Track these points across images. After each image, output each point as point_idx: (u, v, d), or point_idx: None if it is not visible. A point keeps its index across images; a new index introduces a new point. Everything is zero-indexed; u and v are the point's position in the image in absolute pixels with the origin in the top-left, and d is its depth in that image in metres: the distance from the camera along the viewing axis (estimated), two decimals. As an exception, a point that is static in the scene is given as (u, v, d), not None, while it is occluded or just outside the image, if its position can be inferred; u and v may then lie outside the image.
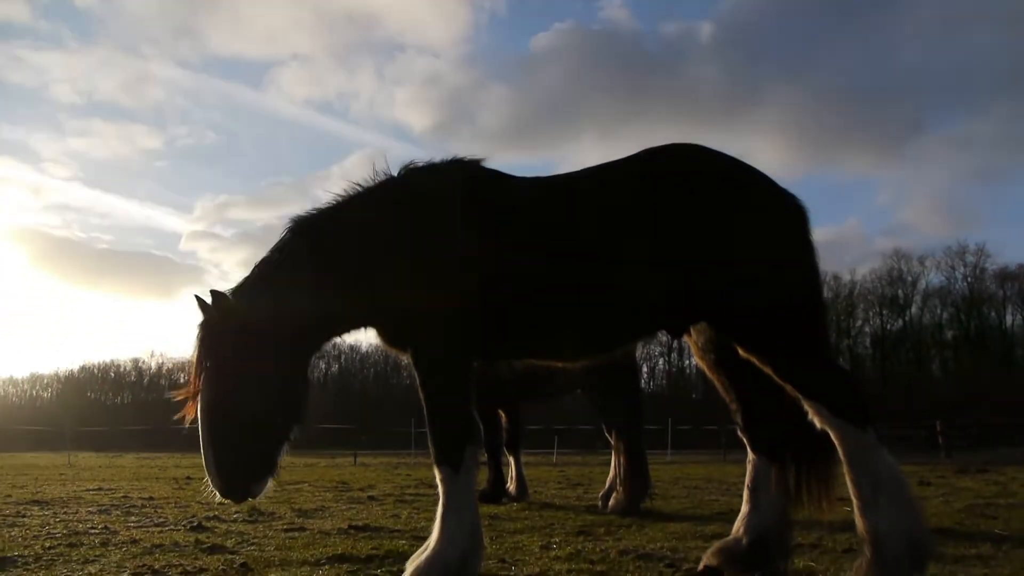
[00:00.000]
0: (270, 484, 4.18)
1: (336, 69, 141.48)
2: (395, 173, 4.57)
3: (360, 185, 4.53)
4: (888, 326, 79.89)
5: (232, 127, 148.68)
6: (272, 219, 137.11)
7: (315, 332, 4.44)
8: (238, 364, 4.06)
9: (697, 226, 4.03)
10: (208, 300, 4.12)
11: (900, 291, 79.05)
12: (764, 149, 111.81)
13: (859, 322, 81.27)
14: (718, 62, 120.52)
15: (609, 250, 4.13)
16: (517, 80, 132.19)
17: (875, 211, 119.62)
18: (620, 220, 4.14)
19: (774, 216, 4.16)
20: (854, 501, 3.82)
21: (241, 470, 4.02)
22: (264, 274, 4.36)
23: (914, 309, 78.67)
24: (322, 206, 4.53)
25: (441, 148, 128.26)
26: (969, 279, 75.90)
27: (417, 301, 4.20)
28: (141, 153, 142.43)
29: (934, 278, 78.46)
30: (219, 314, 4.12)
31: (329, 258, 4.32)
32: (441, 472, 4.09)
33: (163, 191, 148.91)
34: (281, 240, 4.46)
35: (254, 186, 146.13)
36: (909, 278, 78.87)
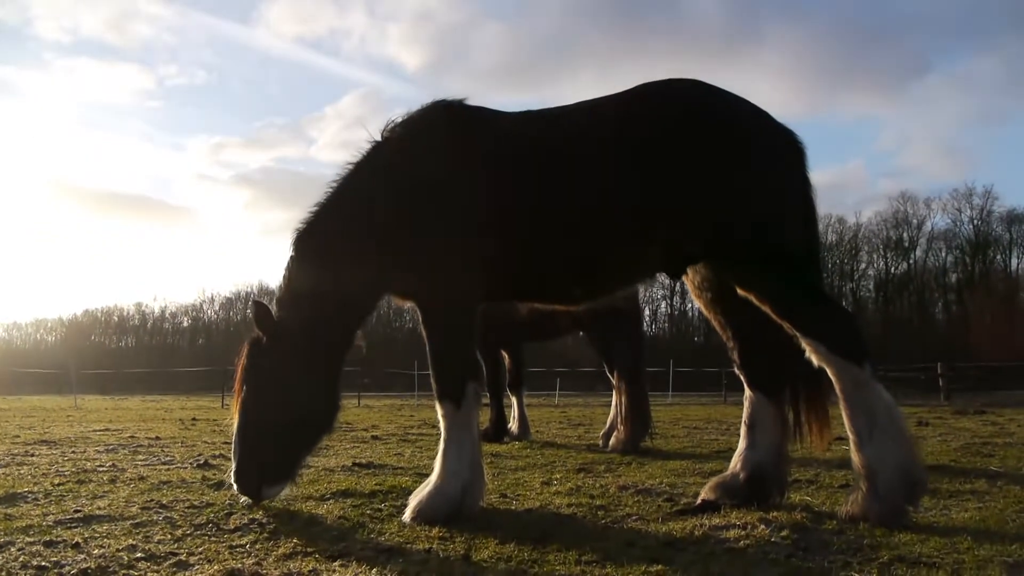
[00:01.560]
0: (286, 490, 4.41)
1: (326, 5, 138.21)
2: (380, 135, 4.59)
3: (351, 163, 4.58)
4: (892, 269, 79.70)
5: (222, 66, 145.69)
6: (267, 161, 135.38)
7: (341, 334, 4.53)
8: (272, 378, 4.28)
9: (695, 163, 4.01)
10: (257, 311, 4.36)
11: (905, 234, 78.66)
12: (765, 88, 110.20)
13: (863, 265, 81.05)
14: None
15: (607, 190, 4.11)
16: (511, 16, 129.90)
17: (878, 153, 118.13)
18: (617, 158, 4.10)
19: (773, 153, 4.14)
20: (850, 436, 3.87)
21: (256, 473, 4.23)
22: (290, 292, 4.51)
23: (919, 252, 78.37)
24: (321, 199, 4.57)
25: (436, 86, 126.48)
26: (975, 222, 75.47)
27: (419, 252, 4.26)
28: (132, 93, 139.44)
29: (940, 221, 78.03)
30: (263, 330, 4.35)
31: (330, 261, 4.41)
32: (443, 408, 4.16)
33: (157, 132, 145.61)
34: (288, 260, 4.57)
35: (248, 127, 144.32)
36: (914, 220, 78.41)
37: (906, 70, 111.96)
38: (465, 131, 4.45)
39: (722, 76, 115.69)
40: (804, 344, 3.90)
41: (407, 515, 3.99)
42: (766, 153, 4.12)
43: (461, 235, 4.21)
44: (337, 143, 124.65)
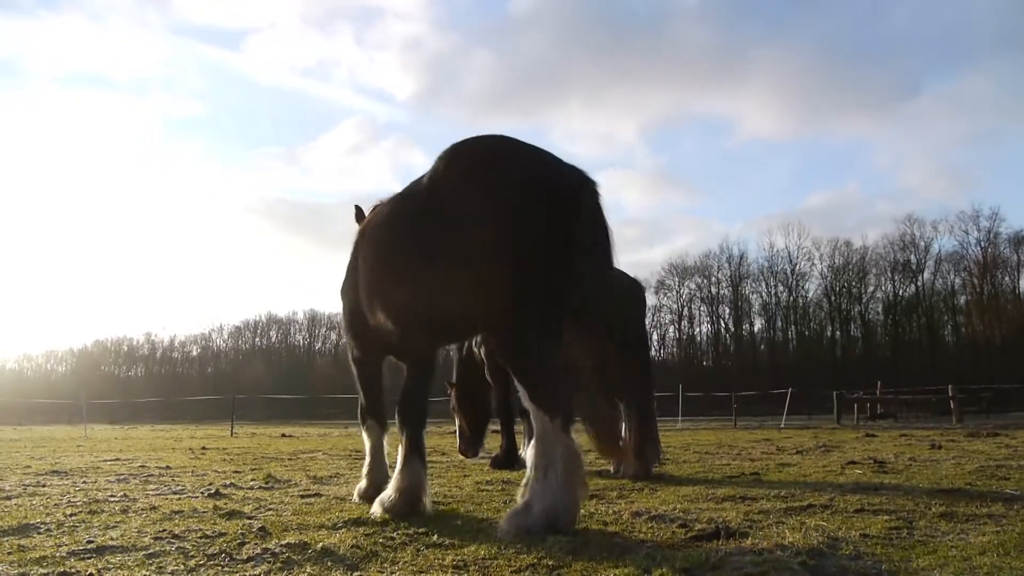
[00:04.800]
0: None
1: (314, 35, 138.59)
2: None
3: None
4: (900, 292, 79.53)
5: (215, 96, 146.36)
6: (265, 190, 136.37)
7: None
8: None
9: (437, 231, 4.44)
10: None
11: (912, 256, 78.61)
12: (755, 112, 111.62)
13: (871, 288, 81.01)
14: (705, 21, 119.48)
15: (409, 260, 4.74)
16: (499, 44, 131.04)
17: (873, 174, 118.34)
18: (410, 227, 4.72)
19: (503, 214, 4.24)
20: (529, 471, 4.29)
21: None
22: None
23: (927, 274, 78.21)
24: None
25: (427, 114, 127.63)
26: (983, 243, 75.34)
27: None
28: (127, 124, 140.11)
29: (947, 243, 77.92)
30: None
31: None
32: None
33: (156, 164, 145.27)
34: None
35: (244, 156, 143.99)
36: (921, 243, 78.40)
37: (896, 91, 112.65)
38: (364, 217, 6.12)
39: (711, 101, 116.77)
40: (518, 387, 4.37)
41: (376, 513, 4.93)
42: (495, 216, 4.24)
43: (353, 299, 5.67)
44: (334, 171, 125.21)
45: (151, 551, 3.93)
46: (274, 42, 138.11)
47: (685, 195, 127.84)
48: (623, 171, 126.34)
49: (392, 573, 3.48)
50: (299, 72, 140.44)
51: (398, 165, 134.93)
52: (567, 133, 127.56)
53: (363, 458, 6.14)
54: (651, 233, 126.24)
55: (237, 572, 3.52)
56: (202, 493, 6.33)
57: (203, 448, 14.10)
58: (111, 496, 6.18)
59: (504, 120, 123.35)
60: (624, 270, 8.63)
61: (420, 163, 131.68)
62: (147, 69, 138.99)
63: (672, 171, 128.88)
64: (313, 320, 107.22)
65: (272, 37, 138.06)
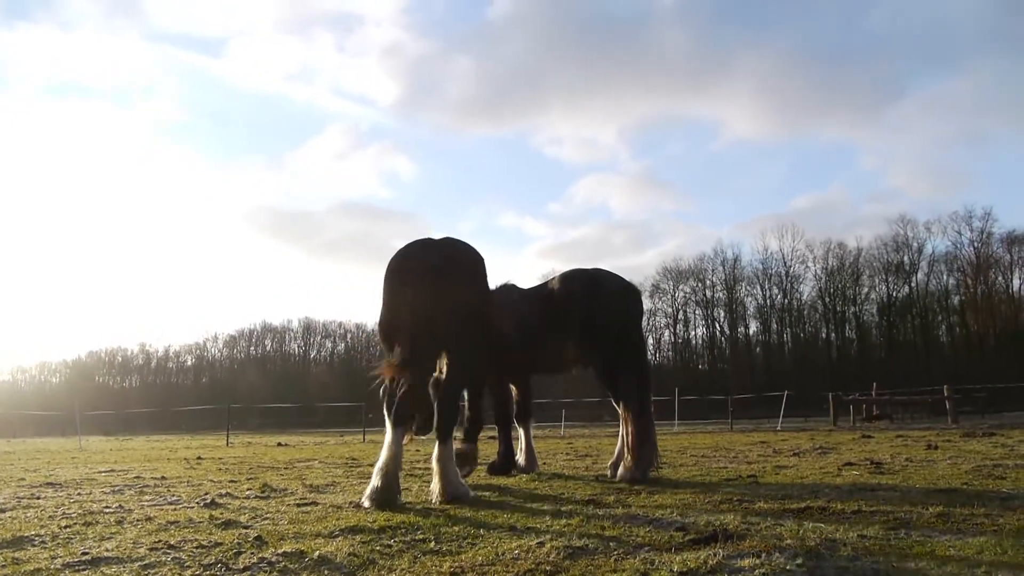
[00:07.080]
0: None
1: (295, 42, 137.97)
2: None
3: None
4: (894, 293, 79.76)
5: (199, 104, 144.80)
6: (258, 198, 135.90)
7: None
8: None
9: None
10: None
11: (906, 257, 78.86)
12: (739, 117, 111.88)
13: (865, 289, 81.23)
14: (684, 25, 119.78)
15: None
16: (479, 50, 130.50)
17: (859, 176, 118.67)
18: None
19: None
20: None
21: None
22: None
23: (920, 275, 78.46)
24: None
25: (409, 120, 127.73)
26: (976, 244, 75.60)
27: None
28: (118, 134, 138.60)
29: (940, 243, 78.20)
30: None
31: None
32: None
33: (144, 173, 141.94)
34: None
35: (231, 163, 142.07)
36: (915, 244, 78.66)
37: (881, 94, 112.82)
38: None
39: (694, 106, 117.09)
40: None
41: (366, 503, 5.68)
42: None
43: None
44: (321, 177, 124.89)
45: (146, 562, 3.91)
46: (254, 49, 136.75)
47: (672, 198, 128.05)
48: (607, 174, 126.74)
49: (389, 581, 3.47)
50: (282, 78, 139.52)
51: (383, 172, 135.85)
52: (550, 138, 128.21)
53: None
54: (640, 237, 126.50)
55: (233, 582, 3.50)
56: (198, 503, 6.30)
57: (198, 458, 14.05)
58: (106, 507, 6.15)
59: (488, 127, 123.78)
60: (619, 274, 8.63)
61: (405, 170, 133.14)
62: (129, 78, 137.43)
63: (657, 174, 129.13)
64: (308, 328, 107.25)
65: (251, 45, 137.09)
